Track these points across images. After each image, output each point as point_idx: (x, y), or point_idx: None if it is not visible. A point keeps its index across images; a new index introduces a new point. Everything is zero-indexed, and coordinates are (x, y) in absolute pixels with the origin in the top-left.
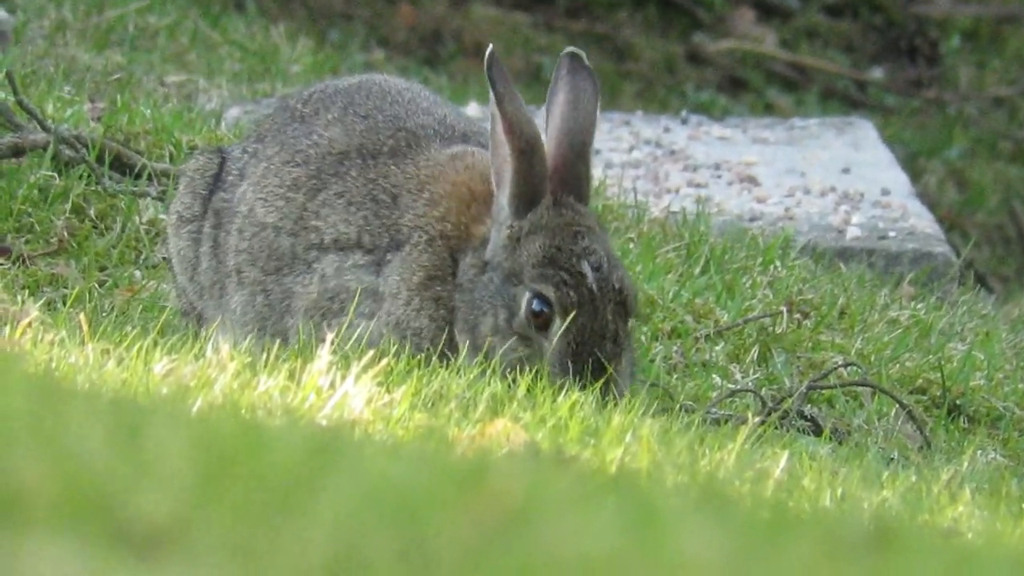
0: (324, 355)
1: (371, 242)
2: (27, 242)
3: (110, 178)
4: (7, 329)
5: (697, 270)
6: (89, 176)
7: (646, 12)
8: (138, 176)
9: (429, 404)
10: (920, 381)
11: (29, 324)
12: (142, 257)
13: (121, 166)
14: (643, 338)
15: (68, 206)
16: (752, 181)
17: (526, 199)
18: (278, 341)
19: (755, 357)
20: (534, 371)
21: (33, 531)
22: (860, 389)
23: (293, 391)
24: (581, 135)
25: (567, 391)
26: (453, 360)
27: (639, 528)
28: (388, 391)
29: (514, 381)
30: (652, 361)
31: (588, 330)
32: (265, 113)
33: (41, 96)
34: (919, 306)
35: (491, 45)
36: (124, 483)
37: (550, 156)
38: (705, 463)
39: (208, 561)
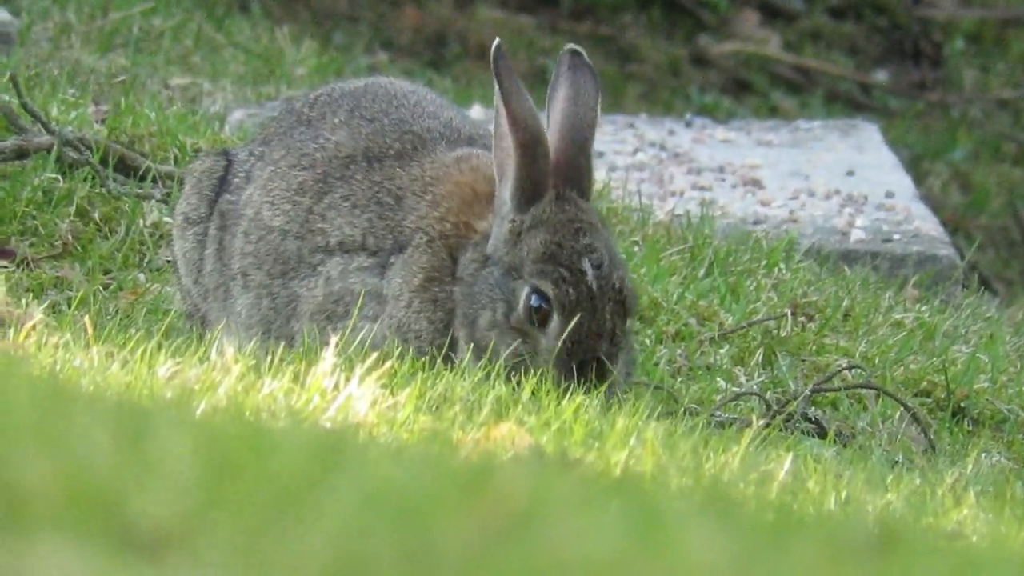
0: (328, 357)
1: (375, 244)
2: (31, 245)
3: (114, 181)
4: (11, 332)
5: (701, 273)
6: (93, 179)
7: (650, 14)
8: (142, 179)
9: (433, 407)
10: (924, 384)
11: (33, 327)
12: (146, 260)
13: (125, 169)
14: (647, 341)
15: (72, 209)
16: (756, 184)
17: (528, 193)
18: (283, 344)
19: (759, 360)
20: (538, 374)
21: (38, 533)
22: (864, 392)
23: (297, 394)
24: (582, 130)
25: (571, 394)
26: (454, 361)
27: (643, 531)
28: (392, 394)
29: (517, 384)
30: (656, 364)
31: (585, 329)
32: (270, 116)
33: (45, 98)
34: (923, 309)
35: (498, 39)
36: (128, 486)
37: (552, 151)
38: (709, 466)
39: (212, 563)
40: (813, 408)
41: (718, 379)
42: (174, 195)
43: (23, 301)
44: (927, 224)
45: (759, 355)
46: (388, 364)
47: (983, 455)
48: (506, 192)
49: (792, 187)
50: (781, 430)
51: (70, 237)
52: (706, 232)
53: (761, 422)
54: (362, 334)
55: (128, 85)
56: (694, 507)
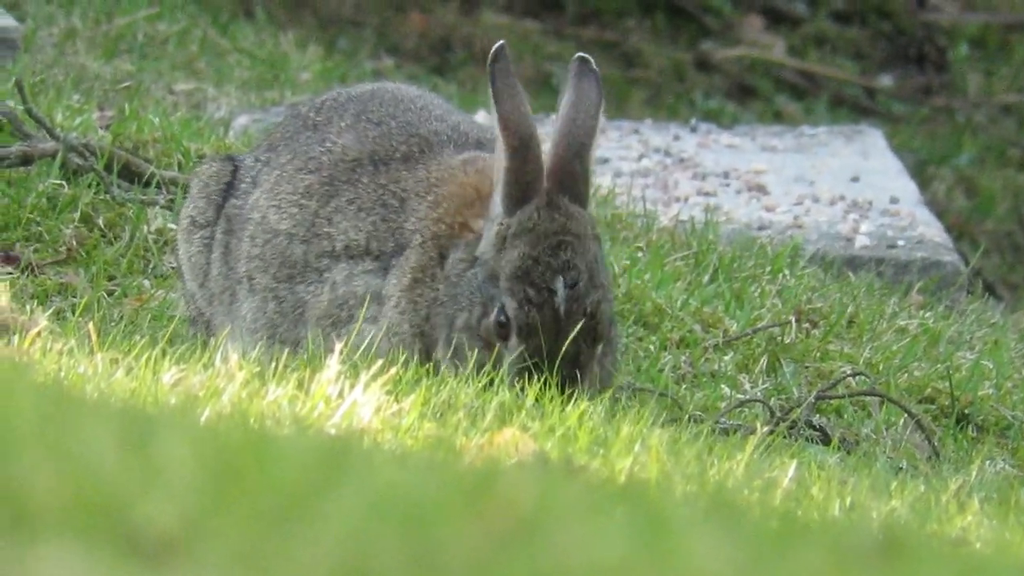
0: (333, 364)
1: (378, 248)
2: (36, 251)
3: (119, 187)
4: (16, 338)
5: (706, 279)
6: (98, 185)
7: (655, 19)
8: (147, 184)
9: (438, 413)
10: (929, 390)
11: (38, 333)
12: (151, 266)
13: (130, 174)
14: (651, 347)
15: (77, 215)
16: (761, 189)
17: (516, 197)
18: (287, 349)
19: (764, 367)
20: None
21: (42, 539)
22: (869, 398)
23: (302, 400)
24: (580, 136)
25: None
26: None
27: (648, 537)
28: (397, 400)
29: (521, 390)
30: (661, 371)
31: (547, 350)
32: (275, 121)
33: (50, 104)
34: (928, 315)
35: (501, 41)
36: (133, 492)
37: (548, 156)
38: (714, 473)
39: (217, 569)
40: (817, 415)
41: (722, 386)
42: (178, 201)
43: (27, 307)
44: (932, 230)
45: (763, 362)
46: (393, 371)
47: (987, 462)
48: (497, 195)
49: (797, 193)
50: (785, 437)
51: (74, 243)
52: (710, 238)
53: (765, 429)
54: (368, 339)
55: (133, 91)
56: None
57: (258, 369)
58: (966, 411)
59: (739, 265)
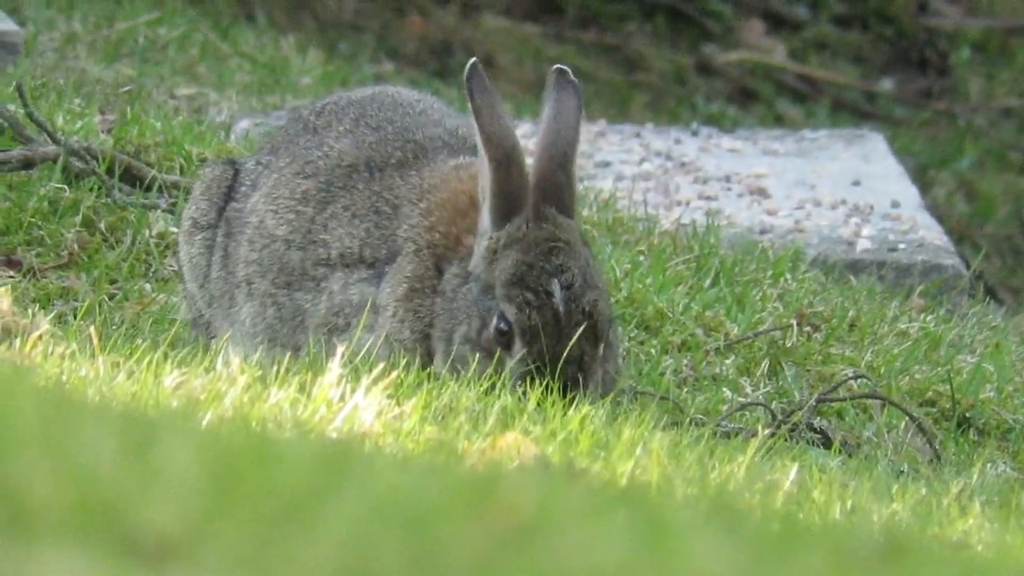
0: (334, 368)
1: (372, 255)
2: (37, 255)
3: (120, 191)
4: (18, 342)
5: (707, 283)
6: (99, 189)
7: (656, 23)
8: (148, 188)
9: (439, 417)
10: (930, 393)
11: (40, 337)
12: (152, 270)
13: (131, 178)
14: (653, 351)
15: (78, 219)
16: (762, 193)
17: (503, 210)
18: (288, 353)
19: (765, 370)
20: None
21: (43, 542)
22: (870, 401)
23: (303, 404)
24: (562, 147)
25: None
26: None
27: (649, 541)
28: (398, 404)
29: (523, 394)
30: (662, 374)
31: (550, 353)
32: (276, 125)
33: (51, 108)
34: (929, 318)
35: (474, 58)
36: (134, 495)
37: (532, 169)
38: (715, 476)
39: (218, 573)
40: (819, 418)
41: (724, 389)
42: (180, 205)
43: (29, 311)
44: (933, 233)
45: (765, 365)
46: (394, 375)
47: (988, 465)
48: (485, 209)
49: (798, 197)
50: (787, 440)
51: (76, 247)
52: (712, 242)
53: (767, 432)
54: (366, 347)
55: (134, 95)
56: (700, 517)
57: (260, 373)
58: (967, 414)
59: (740, 269)
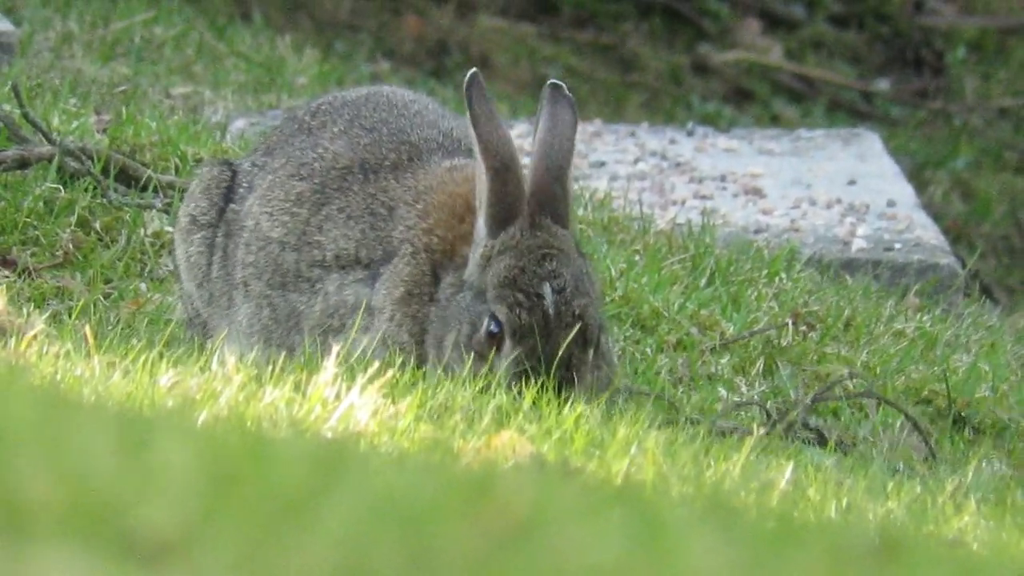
0: (329, 367)
1: (367, 256)
2: (32, 254)
3: (115, 190)
4: (13, 341)
5: (703, 282)
6: (94, 188)
7: (652, 23)
8: (143, 188)
9: (435, 416)
10: (925, 392)
11: (34, 337)
12: (147, 269)
13: (127, 178)
14: (648, 350)
15: (73, 218)
16: (758, 193)
17: (499, 219)
18: (283, 353)
19: (760, 369)
20: (539, 383)
21: (39, 542)
22: (865, 400)
23: (299, 403)
24: (557, 158)
25: (572, 403)
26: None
27: (645, 539)
28: (393, 403)
29: (518, 393)
30: (658, 373)
31: (540, 353)
32: (272, 125)
33: (47, 108)
34: (924, 317)
35: (474, 68)
36: (130, 495)
37: (528, 181)
38: (710, 474)
39: (214, 572)
40: (814, 417)
41: (719, 388)
42: (175, 205)
43: (24, 311)
44: (928, 233)
45: (760, 364)
46: (389, 374)
47: (984, 463)
48: (481, 218)
49: (793, 196)
50: (782, 439)
51: (71, 247)
52: (707, 241)
53: (762, 431)
54: (361, 347)
55: (129, 95)
56: (695, 515)
57: (255, 372)
58: (963, 413)
59: (736, 268)
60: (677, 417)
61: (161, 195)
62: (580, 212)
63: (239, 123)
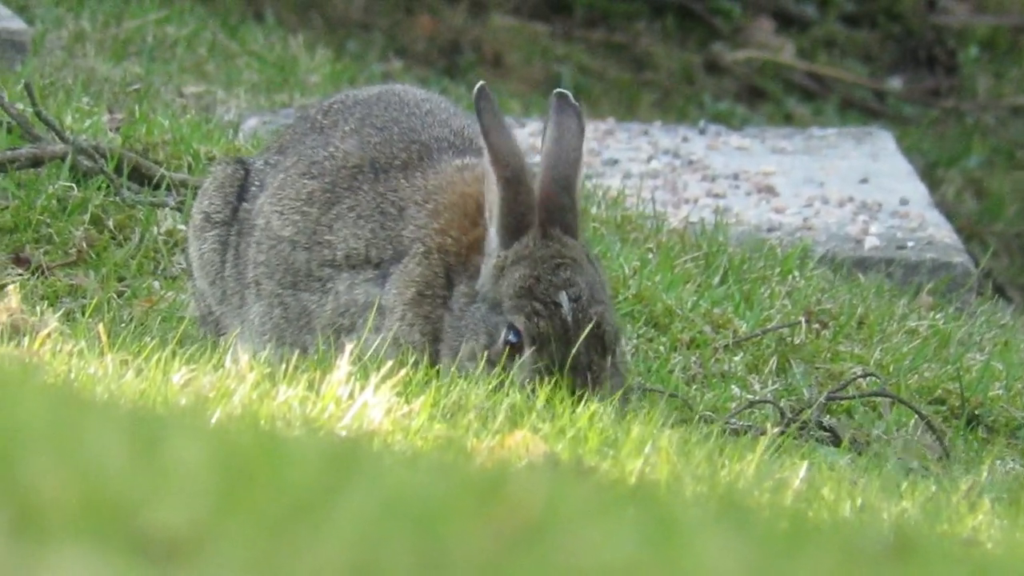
0: (343, 366)
1: (377, 256)
2: (46, 253)
3: (128, 189)
4: (26, 340)
5: (715, 280)
6: (107, 187)
7: (664, 22)
8: (156, 187)
9: (448, 415)
10: (939, 391)
11: (48, 335)
12: (161, 267)
13: (139, 177)
14: (662, 348)
15: (86, 217)
16: (770, 191)
17: (511, 229)
18: (296, 352)
19: (774, 368)
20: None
21: (52, 541)
22: (879, 399)
23: (312, 402)
24: (565, 169)
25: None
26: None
27: (658, 539)
28: (407, 402)
29: (532, 392)
30: (671, 372)
31: (560, 361)
32: (284, 123)
33: (59, 107)
34: (938, 316)
35: (482, 83)
36: (143, 494)
37: (537, 190)
38: (724, 474)
39: (227, 572)
40: (827, 416)
41: (732, 387)
42: (188, 203)
43: (38, 309)
44: (941, 231)
45: (773, 363)
46: (403, 372)
47: (998, 462)
48: (492, 228)
49: (806, 194)
50: (796, 438)
51: (84, 245)
52: (720, 239)
53: (776, 430)
54: (373, 347)
55: (142, 93)
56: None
57: (268, 370)
58: (976, 412)
59: (749, 267)
60: (691, 416)
61: (174, 193)
62: (593, 210)
63: (251, 122)
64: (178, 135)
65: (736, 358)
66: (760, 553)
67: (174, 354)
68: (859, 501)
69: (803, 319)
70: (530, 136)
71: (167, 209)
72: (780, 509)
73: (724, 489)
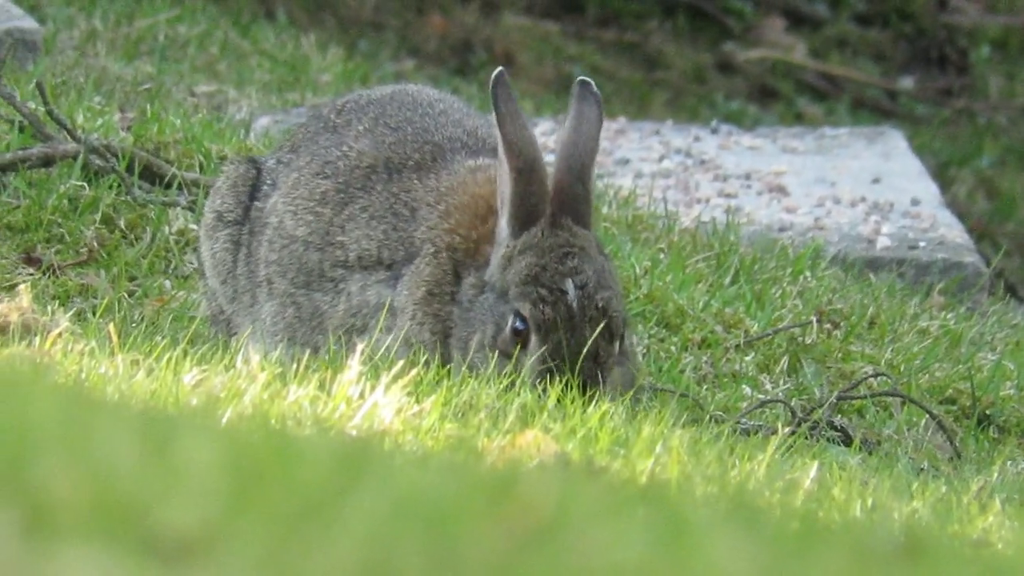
0: (354, 366)
1: (389, 257)
2: (57, 252)
3: (140, 188)
4: (37, 339)
5: (727, 280)
6: (119, 186)
7: (676, 21)
8: (168, 186)
9: (459, 414)
10: (950, 391)
11: (59, 334)
12: (172, 267)
13: (151, 176)
14: (673, 348)
15: (98, 216)
16: (782, 191)
17: (522, 219)
18: (308, 351)
19: (785, 367)
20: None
21: (63, 541)
22: (890, 399)
23: (323, 401)
24: (581, 157)
25: (597, 402)
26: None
27: (669, 539)
28: (418, 401)
29: (543, 391)
30: (682, 371)
31: (566, 348)
32: (296, 123)
33: (71, 106)
34: (949, 316)
35: (500, 68)
36: (154, 493)
37: (551, 179)
38: (735, 474)
39: (238, 571)
40: (839, 416)
41: (743, 386)
42: (199, 202)
43: (49, 308)
44: (953, 231)
45: (784, 362)
46: (413, 372)
47: (1009, 463)
48: (503, 218)
49: (818, 194)
50: (807, 438)
51: (96, 244)
52: (732, 239)
53: (787, 430)
54: (384, 346)
55: (154, 92)
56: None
57: (279, 370)
58: (987, 412)
59: (760, 266)
60: (702, 415)
61: (185, 192)
62: (605, 210)
63: (263, 121)
64: (190, 134)
65: (747, 358)
66: (771, 553)
67: (185, 354)
68: (870, 501)
69: (814, 319)
70: (542, 136)
71: (179, 208)
72: (791, 509)
73: (735, 489)
